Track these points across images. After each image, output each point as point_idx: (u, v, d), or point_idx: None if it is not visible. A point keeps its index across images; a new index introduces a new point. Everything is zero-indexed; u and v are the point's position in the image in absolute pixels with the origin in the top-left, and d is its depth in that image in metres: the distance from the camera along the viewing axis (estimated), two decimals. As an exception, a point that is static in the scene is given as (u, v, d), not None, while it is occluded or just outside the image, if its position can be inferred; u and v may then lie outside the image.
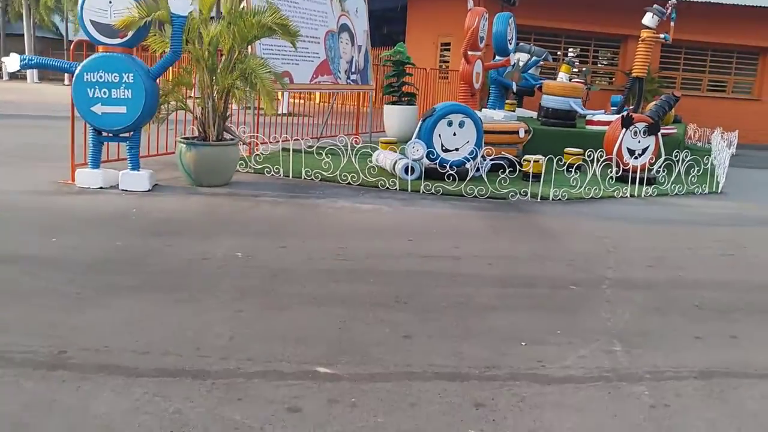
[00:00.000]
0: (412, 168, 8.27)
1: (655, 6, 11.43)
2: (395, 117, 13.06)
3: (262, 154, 8.94)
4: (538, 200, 7.83)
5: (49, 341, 3.32)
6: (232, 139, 7.65)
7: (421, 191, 7.86)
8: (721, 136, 13.15)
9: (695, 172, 9.56)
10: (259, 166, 8.44)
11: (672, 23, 11.70)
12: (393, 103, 13.27)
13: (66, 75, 20.81)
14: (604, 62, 22.42)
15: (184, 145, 7.26)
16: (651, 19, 11.34)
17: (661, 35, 11.47)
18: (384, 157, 8.87)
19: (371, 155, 9.25)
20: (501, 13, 12.24)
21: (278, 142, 8.91)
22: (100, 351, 3.25)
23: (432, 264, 5.01)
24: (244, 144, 8.75)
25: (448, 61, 20.18)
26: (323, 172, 8.29)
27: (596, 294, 4.58)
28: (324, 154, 8.60)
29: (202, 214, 6.22)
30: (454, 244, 5.62)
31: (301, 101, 21.08)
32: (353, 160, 8.48)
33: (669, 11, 11.45)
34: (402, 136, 12.64)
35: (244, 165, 8.42)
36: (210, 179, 7.32)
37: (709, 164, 10.48)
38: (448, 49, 20.46)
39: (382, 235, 5.85)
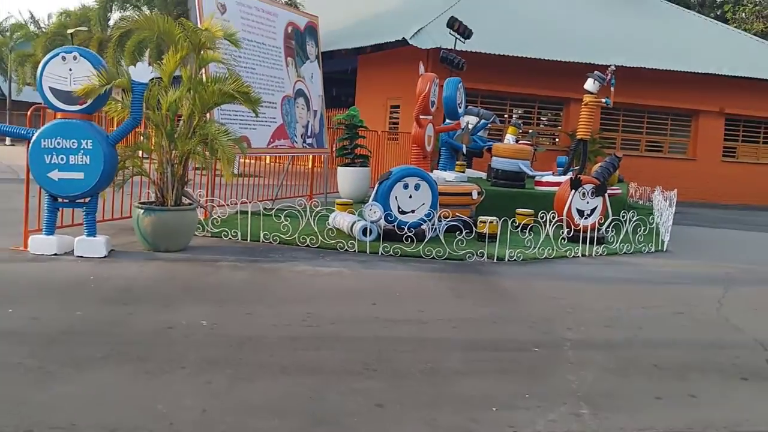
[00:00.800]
0: (370, 230, 8.35)
1: (596, 72, 11.95)
2: (349, 179, 13.21)
3: (219, 217, 8.90)
4: (495, 261, 7.98)
5: (15, 419, 3.21)
6: (190, 204, 7.62)
7: (380, 253, 7.92)
8: (662, 194, 13.67)
9: (641, 231, 9.90)
10: (217, 230, 8.40)
11: (612, 88, 12.25)
12: (346, 165, 13.43)
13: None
14: (547, 123, 23.22)
15: (142, 211, 7.20)
16: (593, 84, 11.84)
17: (603, 100, 11.97)
18: (341, 219, 8.93)
19: (328, 217, 9.31)
20: (450, 78, 12.63)
21: (236, 204, 8.89)
22: (68, 429, 3.16)
23: (398, 328, 5.04)
24: (202, 208, 8.71)
25: (397, 123, 20.59)
26: (282, 235, 8.29)
27: (559, 355, 4.68)
28: (282, 217, 8.61)
29: (162, 280, 6.14)
30: (418, 307, 5.67)
31: (253, 161, 21.12)
32: (311, 222, 8.52)
33: (609, 77, 11.98)
34: (356, 196, 12.77)
35: (201, 229, 8.37)
36: (168, 244, 7.24)
37: (654, 223, 10.87)
38: (398, 111, 20.90)
39: (345, 298, 5.87)
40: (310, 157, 13.13)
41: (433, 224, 8.67)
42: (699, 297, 6.83)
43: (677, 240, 10.56)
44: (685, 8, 28.74)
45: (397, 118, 20.72)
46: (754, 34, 33.97)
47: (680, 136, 22.49)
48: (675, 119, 22.24)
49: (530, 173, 12.31)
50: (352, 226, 8.53)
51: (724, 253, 10.26)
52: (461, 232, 8.36)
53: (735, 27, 34.90)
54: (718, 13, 40.84)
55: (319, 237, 8.28)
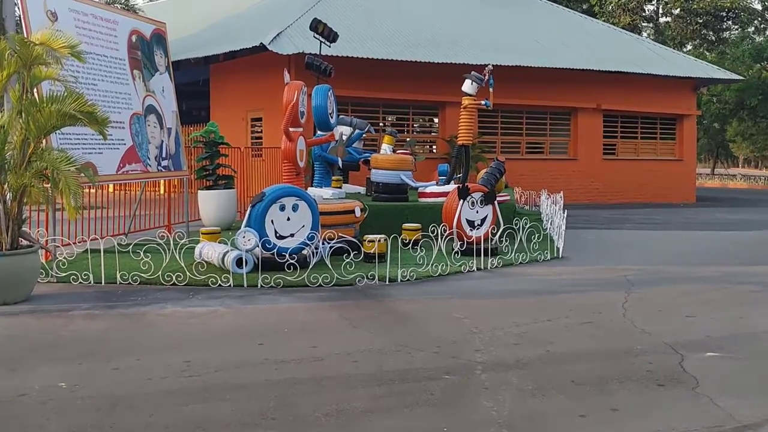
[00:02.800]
0: (245, 260, 8.18)
1: (473, 73, 12.35)
2: (212, 203, 12.91)
3: (65, 259, 8.41)
4: (387, 283, 8.04)
5: None
6: (30, 245, 7.15)
7: (260, 285, 7.77)
8: (549, 198, 14.33)
9: (535, 238, 10.30)
10: (64, 274, 7.93)
11: (491, 89, 12.65)
12: (208, 188, 13.13)
13: None
14: (422, 130, 23.78)
15: (-30, 258, 6.67)
16: (470, 86, 12.23)
17: (483, 101, 12.38)
18: (210, 250, 8.70)
19: (195, 249, 9.03)
20: (319, 86, 12.65)
21: (84, 242, 8.43)
22: None
23: (292, 369, 4.94)
24: (43, 249, 8.19)
25: (261, 138, 20.39)
26: (143, 274, 7.95)
27: (472, 381, 4.75)
28: (141, 253, 8.26)
29: (4, 339, 5.70)
30: (311, 342, 5.59)
31: (95, 191, 20.21)
32: (177, 256, 8.23)
33: (487, 77, 12.39)
34: (222, 223, 12.49)
35: (45, 274, 7.87)
36: (7, 295, 6.75)
37: (546, 229, 11.35)
38: (260, 124, 20.71)
39: (227, 341, 5.69)
40: (162, 182, 12.73)
41: (316, 248, 8.62)
42: (603, 304, 7.18)
43: (571, 245, 11.08)
44: (553, 2, 30.44)
45: (261, 132, 20.53)
46: (623, 28, 36.60)
47: (561, 135, 23.73)
48: (554, 118, 23.45)
49: (413, 185, 12.52)
50: (224, 257, 8.32)
51: (619, 254, 10.87)
52: (348, 254, 8.35)
53: (603, 21, 37.46)
54: (584, 8, 43.64)
55: (187, 273, 8.02)
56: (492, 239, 10.03)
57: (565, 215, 11.10)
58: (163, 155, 10.88)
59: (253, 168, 16.72)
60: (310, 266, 8.29)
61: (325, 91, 12.51)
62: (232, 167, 13.97)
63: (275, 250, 8.30)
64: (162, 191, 13.87)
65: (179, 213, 12.98)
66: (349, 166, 14.61)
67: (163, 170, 10.88)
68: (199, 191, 13.17)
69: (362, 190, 14.69)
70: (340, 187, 13.87)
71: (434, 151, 22.07)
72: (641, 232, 14.53)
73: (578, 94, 22.84)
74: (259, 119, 20.57)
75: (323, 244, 8.78)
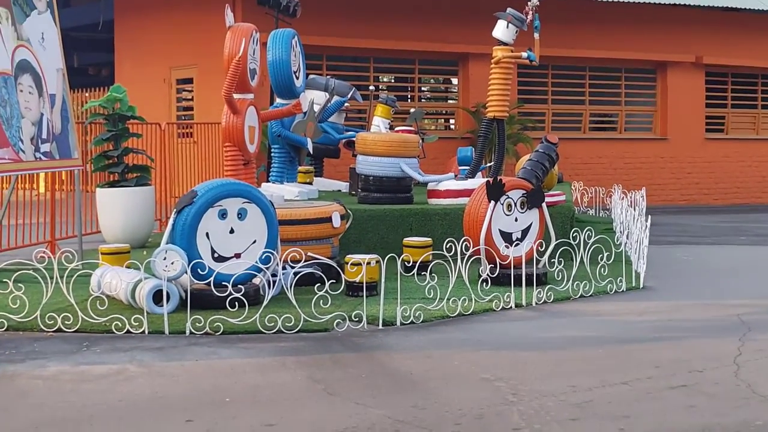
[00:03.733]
0: (167, 293, 8.17)
1: (509, 10, 12.33)
2: (117, 207, 12.91)
3: None
4: (380, 327, 8.04)
5: None
6: None
7: (189, 332, 7.77)
8: (624, 198, 14.36)
9: (605, 259, 10.31)
10: None
11: (536, 34, 12.61)
12: (112, 184, 13.12)
13: None
14: (435, 96, 23.80)
15: None
16: (506, 30, 12.24)
17: (524, 53, 12.38)
18: (114, 279, 8.69)
19: (92, 277, 9.00)
20: (278, 31, 12.70)
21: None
22: None
23: (237, 459, 4.93)
24: None
25: (192, 109, 20.42)
26: (12, 315, 7.94)
27: (508, 476, 4.74)
28: (10, 284, 8.23)
29: None
30: (265, 419, 5.58)
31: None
32: (63, 288, 8.20)
33: (530, 17, 12.40)
34: (133, 237, 12.49)
35: None
36: None
37: (619, 245, 11.36)
38: (191, 88, 20.74)
39: (140, 419, 5.67)
40: (42, 176, 12.72)
41: (274, 275, 8.60)
42: (704, 357, 7.17)
43: (657, 269, 11.07)
44: None
45: (191, 101, 20.56)
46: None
47: (642, 103, 23.86)
48: (632, 78, 23.61)
49: (419, 178, 12.57)
50: (135, 289, 8.31)
51: (729, 283, 10.89)
52: (322, 284, 8.34)
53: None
54: None
55: (80, 313, 8.00)
56: (539, 261, 10.05)
57: (649, 224, 11.13)
58: (44, 136, 10.89)
59: (180, 154, 16.75)
60: (265, 302, 8.27)
61: (287, 38, 12.56)
62: (147, 154, 13.97)
63: (212, 279, 8.27)
64: (42, 190, 13.83)
65: (67, 223, 12.97)
66: (324, 150, 14.66)
67: (44, 158, 10.88)
68: (97, 189, 13.21)
69: (344, 186, 14.74)
70: (311, 183, 13.90)
71: (452, 127, 22.16)
72: (762, 249, 14.55)
73: (668, 42, 22.99)
74: (189, 81, 20.63)
75: (285, 268, 8.76)
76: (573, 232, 10.53)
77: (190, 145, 17.45)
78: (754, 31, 23.39)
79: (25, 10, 10.97)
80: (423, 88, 22.95)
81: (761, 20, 23.09)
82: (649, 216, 11.51)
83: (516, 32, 12.23)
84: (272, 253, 8.59)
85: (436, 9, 19.63)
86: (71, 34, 23.90)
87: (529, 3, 12.43)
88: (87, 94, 22.76)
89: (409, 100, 21.55)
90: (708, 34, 23.08)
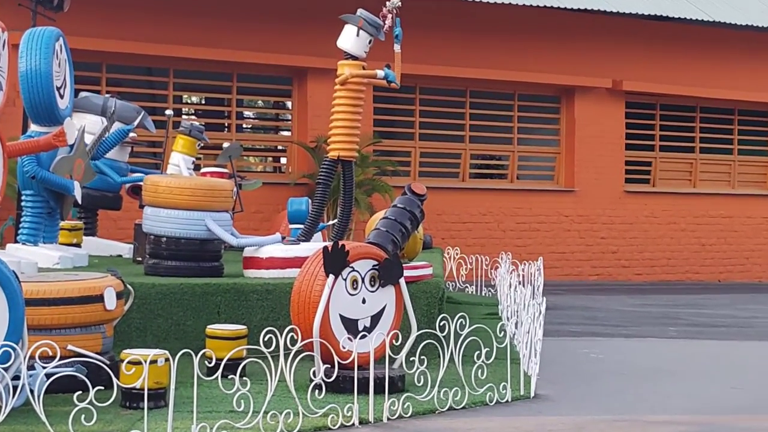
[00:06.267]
0: None
1: (361, 13, 12.33)
2: None
3: None
4: (168, 453, 7.88)
5: None
6: None
7: None
8: (513, 271, 14.51)
9: (482, 356, 10.32)
10: None
11: (397, 46, 12.62)
12: None
13: None
14: (259, 126, 23.78)
15: None
16: (356, 39, 12.26)
17: (380, 71, 12.43)
18: None
19: None
20: (36, 30, 12.49)
21: None
22: None
23: None
24: None
25: None
26: None
27: None
28: None
29: None
30: None
31: None
32: None
33: (389, 22, 12.39)
34: None
35: None
36: None
37: (503, 336, 11.43)
38: None
39: None
40: None
41: (16, 377, 8.37)
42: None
43: (554, 370, 11.15)
44: None
45: None
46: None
47: (540, 143, 24.28)
48: (528, 106, 24.00)
49: (232, 241, 12.47)
50: None
51: (652, 392, 10.99)
52: (85, 391, 8.16)
53: None
54: None
55: None
56: (393, 359, 9.99)
57: (544, 308, 11.22)
58: None
59: None
60: (1, 417, 8.03)
61: (49, 41, 12.38)
62: None
63: None
64: None
65: None
66: (99, 199, 14.45)
67: None
68: None
69: (127, 249, 14.54)
70: (79, 244, 13.66)
71: (283, 170, 22.16)
72: (697, 345, 14.83)
73: (577, 61, 23.55)
74: None
75: (34, 368, 8.55)
76: (441, 320, 10.45)
77: None
78: (690, 48, 24.05)
79: None
80: (243, 114, 22.91)
81: (700, 34, 23.76)
82: (544, 298, 11.62)
83: (370, 42, 12.25)
84: (14, 347, 8.30)
85: (263, 6, 19.64)
86: None
87: (387, 3, 12.39)
88: None
89: (224, 130, 21.48)
90: (630, 52, 23.65)
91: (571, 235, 23.46)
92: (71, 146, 12.38)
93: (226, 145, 17.19)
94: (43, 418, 7.88)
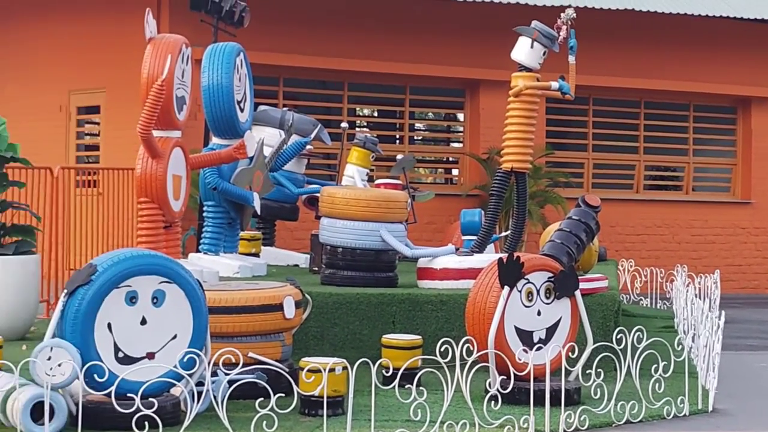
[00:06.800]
0: (52, 408, 8.08)
1: (536, 25, 12.30)
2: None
3: None
4: (347, 463, 7.96)
5: None
6: None
7: (77, 464, 7.69)
8: (689, 284, 14.30)
9: (659, 370, 10.21)
10: None
11: (572, 57, 12.57)
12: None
13: None
14: (432, 138, 23.83)
15: None
16: (530, 51, 12.23)
17: (554, 83, 12.39)
18: (-22, 385, 8.62)
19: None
20: (218, 45, 12.70)
21: None
22: None
23: None
24: None
25: (96, 149, 20.40)
26: None
27: None
28: None
29: None
30: None
31: None
32: None
33: (564, 33, 12.35)
34: (7, 326, 12.38)
35: None
36: None
37: (681, 350, 11.29)
38: (96, 121, 20.74)
39: None
40: None
41: (200, 383, 8.52)
42: None
43: (733, 384, 10.98)
44: None
45: (97, 137, 20.56)
46: None
47: (717, 154, 23.95)
48: (703, 117, 23.67)
49: (407, 251, 12.50)
50: (7, 400, 8.22)
51: None
52: (266, 398, 8.27)
53: None
54: None
55: None
56: (569, 372, 9.96)
57: (723, 322, 11.06)
58: None
59: (78, 210, 16.70)
60: (187, 422, 8.18)
61: (230, 56, 12.57)
62: (31, 210, 13.92)
63: (113, 388, 8.19)
64: None
65: None
66: (277, 210, 14.62)
67: None
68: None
69: (304, 259, 14.67)
70: (258, 254, 13.84)
71: (455, 181, 22.20)
72: None
73: (755, 70, 23.12)
74: (94, 110, 20.62)
75: (216, 375, 8.69)
76: (617, 333, 10.34)
77: (93, 198, 17.36)
78: None
79: None
80: (416, 126, 22.99)
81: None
82: (723, 311, 11.46)
83: (544, 54, 12.21)
84: (198, 354, 8.48)
85: (436, 20, 19.71)
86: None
87: (562, 15, 12.35)
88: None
89: (396, 142, 21.59)
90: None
91: (747, 247, 23.13)
92: (251, 158, 12.58)
93: (399, 156, 17.23)
94: (226, 423, 8.02)
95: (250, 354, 9.06)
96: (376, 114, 22.56)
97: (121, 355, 8.39)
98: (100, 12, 19.08)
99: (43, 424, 8.02)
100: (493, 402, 9.54)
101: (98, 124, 20.72)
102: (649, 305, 17.87)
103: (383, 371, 9.93)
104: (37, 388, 8.10)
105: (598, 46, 19.30)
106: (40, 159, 15.46)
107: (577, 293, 10.22)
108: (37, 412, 8.08)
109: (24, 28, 21.18)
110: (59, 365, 8.09)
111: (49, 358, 8.10)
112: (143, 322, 8.46)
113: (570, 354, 10.06)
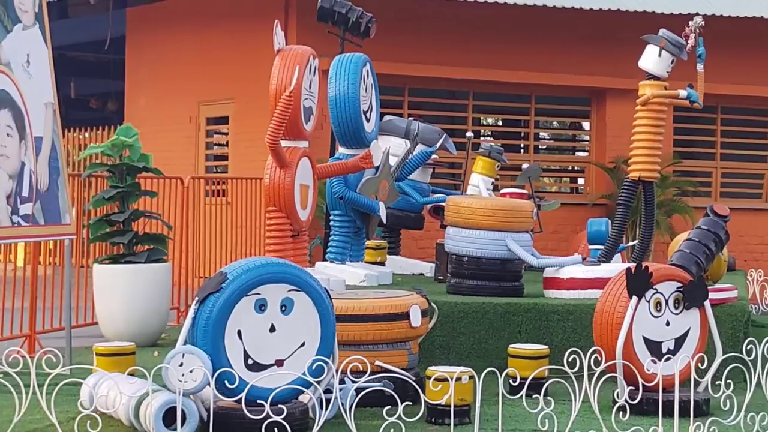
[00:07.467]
0: (184, 413, 8.16)
1: (663, 33, 12.20)
2: (121, 291, 12.96)
3: None
4: (477, 471, 7.95)
5: None
6: None
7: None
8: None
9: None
10: None
11: (700, 65, 12.46)
12: (114, 259, 13.22)
13: None
14: (556, 147, 23.73)
15: None
16: (658, 59, 12.14)
17: (683, 91, 12.28)
18: (112, 391, 8.70)
19: (81, 387, 9.04)
20: (345, 56, 12.76)
21: None
22: None
23: None
24: None
25: (225, 159, 20.60)
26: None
27: None
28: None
29: None
30: None
31: None
32: (44, 402, 8.27)
33: (692, 41, 12.24)
34: (138, 332, 12.51)
35: None
36: None
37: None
38: (225, 131, 20.94)
39: None
40: (22, 246, 12.88)
41: (328, 390, 8.56)
42: None
43: None
44: None
45: (226, 148, 20.76)
46: None
47: None
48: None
49: (533, 261, 12.47)
50: (140, 405, 8.32)
51: None
52: (393, 406, 8.28)
53: None
54: None
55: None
56: (698, 383, 9.85)
57: None
58: (25, 193, 10.99)
59: (208, 220, 16.89)
60: (315, 429, 8.20)
61: (356, 67, 12.62)
62: (162, 219, 14.06)
63: (244, 395, 8.27)
64: (20, 264, 14.00)
65: (52, 310, 13.07)
66: (402, 219, 14.64)
67: (24, 223, 10.99)
68: (95, 266, 13.27)
69: (429, 269, 14.67)
70: (384, 263, 13.86)
71: (581, 190, 22.08)
72: None
73: None
74: (224, 121, 20.84)
75: (344, 383, 8.73)
76: (747, 343, 10.24)
77: (222, 208, 17.54)
78: None
79: (6, 23, 11.11)
80: (541, 136, 22.90)
81: None
82: None
83: (672, 62, 12.10)
84: (326, 362, 8.52)
85: (561, 29, 19.61)
86: (68, 55, 24.39)
87: (690, 23, 12.27)
88: (87, 135, 22.99)
89: (521, 151, 21.51)
90: None
91: None
92: (376, 168, 12.61)
93: (525, 166, 17.18)
94: (354, 430, 8.04)
95: (377, 362, 9.08)
96: (500, 123, 22.44)
97: (250, 362, 8.46)
98: (229, 25, 19.27)
99: (175, 429, 8.13)
100: (621, 412, 9.48)
101: (227, 134, 20.92)
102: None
103: (510, 381, 9.90)
104: (170, 393, 8.20)
105: (726, 54, 19.05)
106: (171, 169, 15.67)
107: (707, 303, 10.12)
108: (168, 417, 8.20)
109: (156, 42, 21.45)
110: (191, 371, 8.18)
111: (181, 365, 8.19)
112: (272, 329, 8.52)
113: (699, 365, 9.98)
